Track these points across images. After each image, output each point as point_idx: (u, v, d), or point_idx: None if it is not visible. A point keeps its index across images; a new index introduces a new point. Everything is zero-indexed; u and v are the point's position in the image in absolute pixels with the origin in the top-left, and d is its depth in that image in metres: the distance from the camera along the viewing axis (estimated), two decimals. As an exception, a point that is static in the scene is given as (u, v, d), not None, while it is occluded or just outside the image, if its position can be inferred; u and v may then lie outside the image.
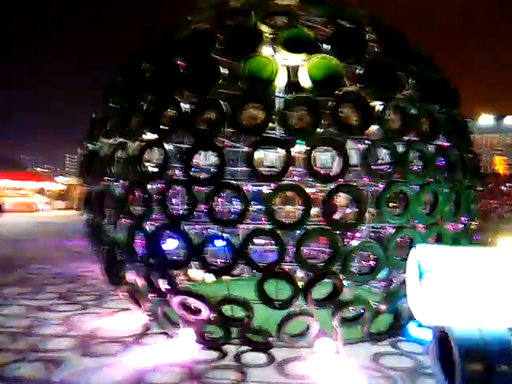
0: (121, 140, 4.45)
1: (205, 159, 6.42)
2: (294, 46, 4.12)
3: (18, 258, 11.01)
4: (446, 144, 4.46)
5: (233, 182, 4.02)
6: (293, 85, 4.19)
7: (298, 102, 3.98)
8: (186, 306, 4.34)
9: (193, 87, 4.13)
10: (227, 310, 4.28)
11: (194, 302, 4.26)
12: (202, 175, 5.03)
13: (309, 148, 3.86)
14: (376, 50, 4.34)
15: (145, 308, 4.78)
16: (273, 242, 4.11)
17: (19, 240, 15.31)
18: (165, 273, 4.23)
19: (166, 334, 4.92)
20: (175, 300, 4.28)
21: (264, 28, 4.30)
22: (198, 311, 4.32)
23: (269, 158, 7.95)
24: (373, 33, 4.49)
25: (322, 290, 4.16)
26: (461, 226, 4.65)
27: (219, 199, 4.62)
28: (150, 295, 4.61)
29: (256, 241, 4.68)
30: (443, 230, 4.36)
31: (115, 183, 4.51)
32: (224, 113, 3.96)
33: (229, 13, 4.63)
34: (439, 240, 4.32)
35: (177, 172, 4.24)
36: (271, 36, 4.24)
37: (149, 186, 4.26)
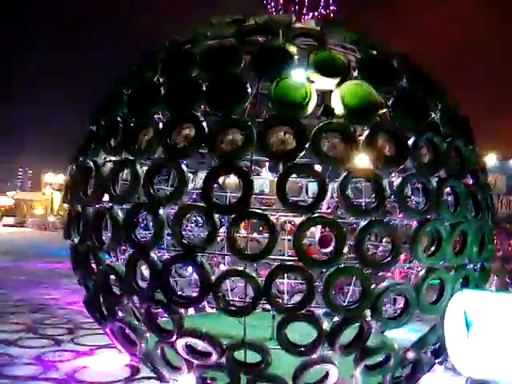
0: (128, 158, 3.98)
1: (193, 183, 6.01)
2: (326, 69, 3.86)
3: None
4: (470, 181, 4.30)
5: (259, 210, 3.63)
6: (324, 110, 3.92)
7: (331, 128, 3.69)
8: (191, 349, 3.83)
9: (217, 104, 3.76)
10: (240, 353, 3.81)
11: (202, 345, 3.76)
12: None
13: (344, 177, 3.55)
14: (404, 80, 4.16)
15: (139, 348, 4.20)
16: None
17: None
18: (172, 310, 3.72)
19: (159, 378, 4.36)
20: (181, 341, 3.76)
21: (292, 49, 4.02)
22: (205, 354, 3.82)
23: (258, 183, 7.65)
24: (399, 63, 4.32)
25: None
26: (479, 266, 4.46)
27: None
28: (148, 334, 4.07)
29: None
30: (470, 271, 4.15)
31: (118, 205, 4.00)
32: (251, 135, 3.60)
33: (253, 30, 4.34)
34: (466, 283, 4.09)
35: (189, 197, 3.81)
36: (300, 58, 3.97)
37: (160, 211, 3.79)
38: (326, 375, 3.84)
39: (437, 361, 4.45)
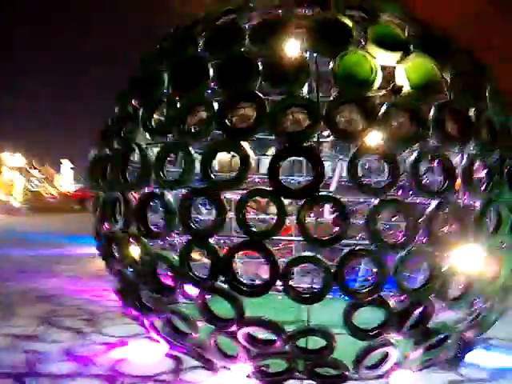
0: (179, 139, 3.71)
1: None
2: (387, 43, 3.71)
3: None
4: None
5: (328, 194, 3.48)
6: (392, 87, 3.76)
7: (401, 106, 3.57)
8: (252, 337, 3.70)
9: (278, 82, 3.54)
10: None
11: (264, 333, 3.64)
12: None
13: (416, 160, 3.44)
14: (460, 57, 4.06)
15: (189, 338, 4.02)
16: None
17: None
18: (234, 298, 3.56)
19: (207, 367, 4.21)
20: (242, 330, 3.62)
21: (348, 21, 3.83)
22: (266, 342, 3.70)
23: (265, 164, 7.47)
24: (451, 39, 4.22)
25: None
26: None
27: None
28: (200, 324, 3.89)
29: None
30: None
31: (167, 190, 3.74)
32: (318, 114, 3.43)
33: (298, 1, 4.10)
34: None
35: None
36: (357, 31, 3.79)
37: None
38: (385, 357, 3.82)
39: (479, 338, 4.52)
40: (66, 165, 76.11)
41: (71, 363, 4.37)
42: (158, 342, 4.61)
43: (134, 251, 4.06)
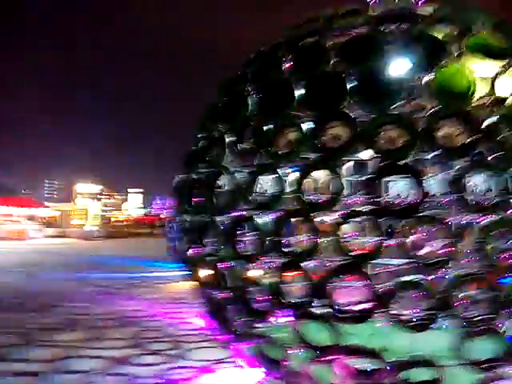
0: (266, 164, 3.69)
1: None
2: (486, 53, 3.50)
3: (43, 293, 9.91)
4: None
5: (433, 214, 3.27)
6: (494, 99, 3.53)
7: (507, 119, 3.32)
8: (352, 367, 3.51)
9: (370, 100, 3.43)
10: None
11: (365, 363, 3.44)
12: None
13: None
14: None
15: (282, 366, 3.90)
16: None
17: (28, 272, 14.07)
18: (332, 325, 3.41)
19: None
20: (341, 359, 3.44)
21: (440, 34, 3.68)
22: (367, 373, 3.49)
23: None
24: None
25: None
26: None
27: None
28: (293, 351, 3.76)
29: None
30: None
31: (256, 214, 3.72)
32: (415, 131, 3.27)
33: (387, 17, 4.00)
34: None
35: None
36: (450, 44, 3.62)
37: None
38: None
39: None
40: (134, 191, 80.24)
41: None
42: (244, 368, 4.55)
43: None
